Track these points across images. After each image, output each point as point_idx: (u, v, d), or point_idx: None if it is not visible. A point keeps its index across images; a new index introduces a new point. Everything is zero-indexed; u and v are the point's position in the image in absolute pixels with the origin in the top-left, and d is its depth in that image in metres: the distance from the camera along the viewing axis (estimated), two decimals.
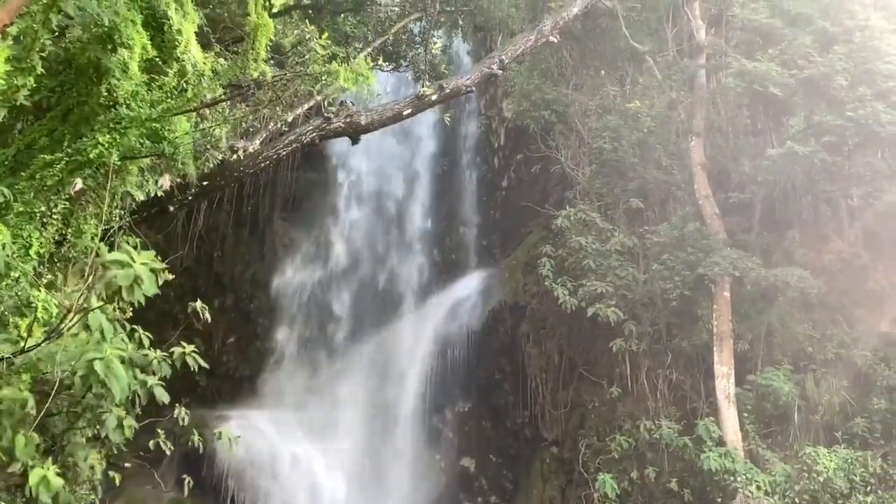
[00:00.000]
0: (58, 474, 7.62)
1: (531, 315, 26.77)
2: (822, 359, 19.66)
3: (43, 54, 8.83)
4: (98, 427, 8.89)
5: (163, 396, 9.08)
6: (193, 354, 9.48)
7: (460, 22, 27.95)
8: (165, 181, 11.20)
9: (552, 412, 25.39)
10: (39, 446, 7.93)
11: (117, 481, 10.05)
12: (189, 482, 11.42)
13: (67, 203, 9.72)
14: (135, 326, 9.42)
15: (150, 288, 7.57)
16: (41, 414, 7.58)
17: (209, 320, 10.52)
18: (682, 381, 22.08)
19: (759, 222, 22.30)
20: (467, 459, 27.73)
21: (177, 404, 10.30)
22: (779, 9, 22.29)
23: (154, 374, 9.07)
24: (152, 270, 7.74)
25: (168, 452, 10.41)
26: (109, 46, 9.47)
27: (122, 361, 7.89)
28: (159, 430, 10.21)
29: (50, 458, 7.96)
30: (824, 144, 19.90)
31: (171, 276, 8.14)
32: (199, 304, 10.23)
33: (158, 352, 9.24)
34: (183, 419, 10.23)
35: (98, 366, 7.46)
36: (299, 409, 28.33)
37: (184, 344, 9.52)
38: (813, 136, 20.52)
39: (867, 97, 19.48)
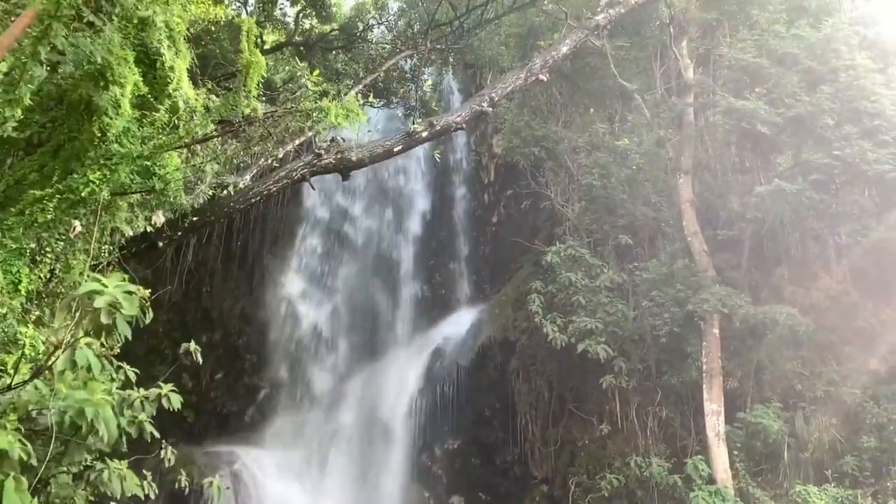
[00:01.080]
0: None
1: (521, 351, 26.68)
2: (812, 396, 19.65)
3: (31, 86, 8.81)
4: (83, 466, 8.77)
5: (152, 432, 8.98)
6: (170, 395, 9.30)
7: (450, 60, 28.28)
8: (158, 218, 11.17)
9: (542, 449, 25.21)
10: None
11: None
12: None
13: (63, 242, 9.68)
14: (121, 364, 9.32)
15: (130, 309, 7.45)
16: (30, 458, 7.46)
17: (201, 362, 10.42)
18: (672, 418, 22.01)
19: (748, 259, 22.39)
20: (456, 497, 27.41)
21: (164, 441, 10.17)
22: (766, 48, 22.54)
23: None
24: (141, 304, 7.67)
25: (153, 495, 10.23)
26: (101, 84, 9.47)
27: (112, 407, 7.80)
28: (146, 472, 10.06)
29: (35, 499, 7.83)
30: (812, 182, 20.05)
31: (147, 293, 8.01)
32: (192, 345, 10.15)
33: (141, 390, 9.12)
34: (169, 459, 10.10)
35: (88, 409, 7.37)
36: (287, 446, 28.08)
37: (161, 384, 9.39)
38: (800, 174, 20.68)
39: (854, 136, 19.67)
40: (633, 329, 22.53)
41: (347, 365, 31.39)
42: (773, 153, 23.32)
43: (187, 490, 11.55)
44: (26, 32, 8.45)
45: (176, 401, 9.37)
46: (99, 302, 7.16)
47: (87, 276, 9.65)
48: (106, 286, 7.33)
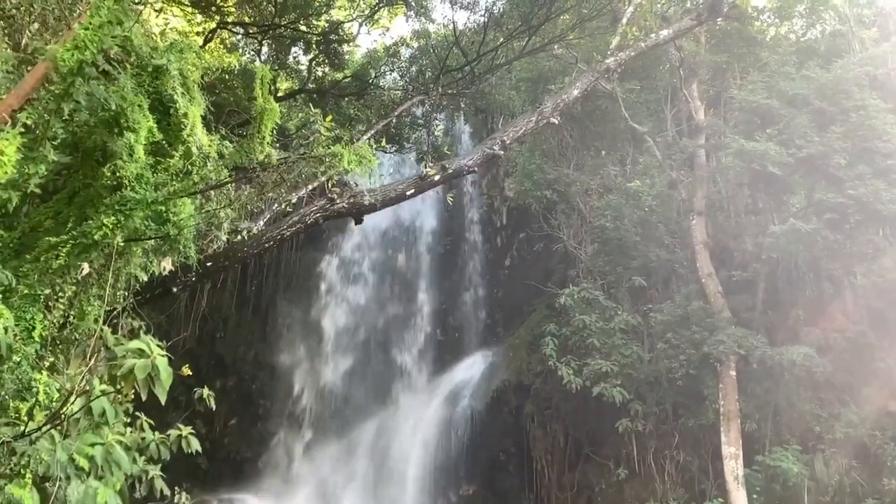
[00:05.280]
0: None
1: (536, 395, 26.49)
2: (831, 438, 19.36)
3: (55, 143, 8.89)
4: None
5: (163, 487, 8.95)
6: (189, 437, 9.32)
7: (462, 105, 28.52)
8: (168, 263, 11.17)
9: (558, 495, 24.88)
10: None
11: None
12: None
13: (75, 287, 9.69)
14: (137, 413, 9.31)
15: (166, 381, 7.51)
16: None
17: (214, 408, 10.45)
18: (690, 461, 21.73)
19: (763, 300, 22.23)
20: None
21: (177, 488, 10.11)
22: (776, 90, 22.62)
23: (153, 459, 8.93)
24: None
25: None
26: (116, 130, 9.52)
27: (125, 448, 7.77)
28: None
29: None
30: (826, 222, 19.94)
31: (187, 372, 8.11)
32: (205, 390, 10.16)
33: (157, 434, 9.11)
34: None
35: (98, 452, 7.35)
36: (301, 492, 27.85)
37: (180, 426, 9.41)
38: (814, 214, 20.59)
39: (867, 175, 19.60)
40: (648, 371, 22.36)
41: (361, 410, 31.21)
42: (786, 193, 23.26)
43: None
44: (42, 82, 8.55)
45: (195, 443, 9.39)
46: (140, 368, 7.21)
47: (101, 325, 9.67)
48: (152, 350, 7.39)
